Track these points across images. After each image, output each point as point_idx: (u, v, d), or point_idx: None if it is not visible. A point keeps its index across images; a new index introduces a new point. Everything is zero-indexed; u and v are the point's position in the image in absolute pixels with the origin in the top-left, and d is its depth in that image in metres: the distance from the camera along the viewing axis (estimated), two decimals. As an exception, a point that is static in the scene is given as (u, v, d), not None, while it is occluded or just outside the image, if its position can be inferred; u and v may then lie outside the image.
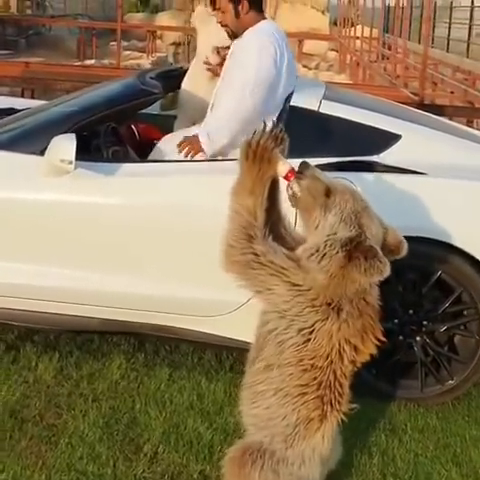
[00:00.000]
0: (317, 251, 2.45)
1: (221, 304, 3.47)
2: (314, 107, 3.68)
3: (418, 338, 3.54)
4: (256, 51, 3.53)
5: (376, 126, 3.66)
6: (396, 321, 3.50)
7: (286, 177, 2.53)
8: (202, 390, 3.51)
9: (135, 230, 3.48)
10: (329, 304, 2.48)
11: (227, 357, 3.82)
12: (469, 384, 3.61)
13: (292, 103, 3.66)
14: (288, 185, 2.54)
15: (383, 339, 2.59)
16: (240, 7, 3.65)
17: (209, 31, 4.00)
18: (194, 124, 4.23)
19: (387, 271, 2.42)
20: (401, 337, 3.53)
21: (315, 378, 2.52)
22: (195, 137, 3.58)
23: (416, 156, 3.57)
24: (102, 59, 16.57)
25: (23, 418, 3.19)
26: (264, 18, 3.77)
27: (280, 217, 2.69)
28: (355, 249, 2.41)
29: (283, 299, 2.50)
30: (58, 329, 3.75)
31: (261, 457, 2.53)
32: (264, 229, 2.53)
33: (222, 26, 3.76)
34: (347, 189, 2.55)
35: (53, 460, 2.94)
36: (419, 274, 3.48)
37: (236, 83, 3.54)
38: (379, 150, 3.58)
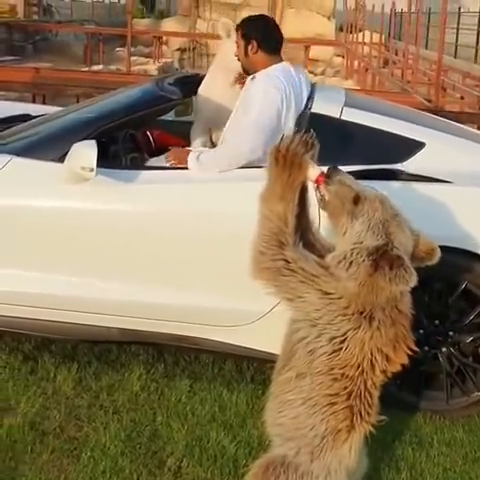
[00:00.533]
0: (344, 258, 2.41)
1: (243, 314, 3.41)
2: (336, 114, 3.62)
3: (444, 349, 3.48)
4: (261, 98, 3.50)
5: (399, 133, 3.61)
6: (422, 331, 3.43)
7: (316, 181, 2.50)
8: (224, 402, 3.45)
9: (158, 238, 3.42)
10: (361, 312, 2.43)
11: (248, 367, 3.76)
12: (496, 396, 3.54)
13: (313, 110, 3.61)
14: (317, 188, 2.51)
15: (415, 349, 2.53)
16: (250, 47, 3.67)
17: (232, 43, 3.97)
18: (210, 130, 4.21)
19: (413, 281, 2.37)
20: (426, 348, 3.46)
21: (345, 388, 2.46)
22: (184, 153, 3.61)
23: (440, 164, 3.52)
24: (109, 65, 16.57)
25: (44, 430, 3.14)
26: (280, 60, 3.72)
27: (309, 224, 2.65)
28: (381, 258, 2.36)
29: (314, 307, 2.45)
30: (76, 339, 3.69)
31: (284, 472, 2.47)
32: (295, 236, 2.48)
33: (238, 60, 3.79)
34: (377, 197, 2.49)
35: (75, 474, 2.89)
36: (445, 284, 3.42)
37: (239, 126, 3.57)
38: (403, 158, 3.53)
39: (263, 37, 3.68)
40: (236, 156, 3.47)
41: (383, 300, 2.43)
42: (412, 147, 3.57)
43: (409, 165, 3.51)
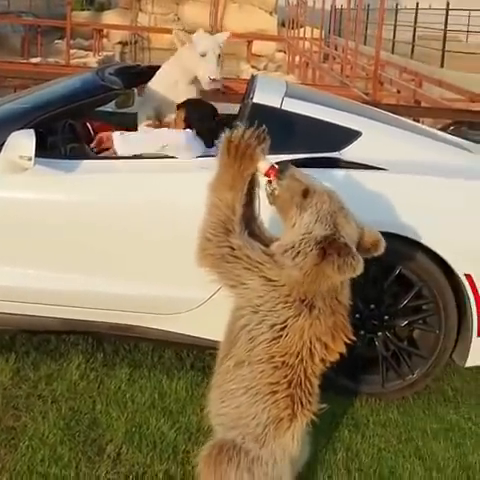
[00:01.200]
0: (292, 248, 2.46)
1: (183, 301, 3.43)
2: (276, 104, 3.67)
3: (379, 333, 3.56)
4: None
5: (337, 123, 3.68)
6: (358, 316, 3.50)
7: (266, 174, 2.54)
8: (163, 389, 3.47)
9: (98, 228, 3.43)
10: (302, 301, 2.48)
11: (188, 355, 3.79)
12: (429, 379, 3.64)
13: (255, 100, 3.65)
14: (268, 182, 2.55)
15: (353, 338, 2.60)
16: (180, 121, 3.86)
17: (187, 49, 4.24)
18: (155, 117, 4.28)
19: (360, 268, 2.43)
20: (362, 332, 3.54)
21: (286, 376, 2.51)
22: (109, 134, 3.73)
23: (376, 152, 3.59)
24: (47, 57, 16.29)
25: (-20, 421, 3.11)
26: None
27: (254, 215, 2.70)
28: (329, 246, 2.42)
29: (257, 294, 2.49)
30: (14, 329, 3.66)
31: (237, 455, 2.50)
32: (241, 225, 2.52)
33: None
34: (325, 191, 2.56)
35: (13, 463, 2.87)
36: (380, 269, 3.50)
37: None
38: (340, 147, 3.59)
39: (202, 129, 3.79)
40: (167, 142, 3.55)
41: (325, 289, 2.49)
42: (349, 136, 3.64)
43: (346, 153, 3.58)
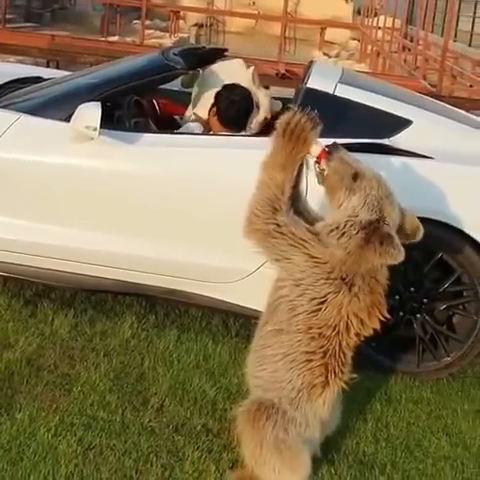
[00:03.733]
0: (337, 228, 2.61)
1: (232, 272, 3.64)
2: (330, 90, 3.82)
3: (418, 315, 3.69)
4: None
5: (388, 111, 3.80)
6: (397, 297, 3.65)
7: (318, 157, 2.69)
8: (208, 352, 3.69)
9: (157, 197, 3.65)
10: (343, 279, 2.64)
11: (234, 323, 4.00)
12: (464, 362, 3.76)
13: (309, 85, 3.81)
14: (317, 163, 2.70)
15: (388, 316, 2.75)
16: (212, 109, 4.10)
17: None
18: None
19: (401, 257, 2.59)
20: (401, 313, 3.68)
21: (322, 346, 2.67)
22: None
23: (425, 141, 3.71)
24: (125, 37, 16.67)
25: (39, 366, 3.38)
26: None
27: (300, 194, 2.85)
28: (373, 233, 2.57)
29: (300, 269, 2.65)
30: (74, 287, 3.94)
31: (275, 414, 2.66)
32: (288, 204, 2.69)
33: None
34: (374, 176, 2.69)
35: (66, 404, 3.13)
36: (422, 254, 3.63)
37: None
38: (390, 134, 3.72)
39: (225, 109, 4.05)
40: None
41: (365, 270, 2.64)
42: (399, 124, 3.77)
43: (395, 140, 3.71)
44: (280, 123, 2.68)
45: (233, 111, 4.06)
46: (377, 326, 2.73)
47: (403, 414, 3.44)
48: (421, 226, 2.80)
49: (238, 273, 3.63)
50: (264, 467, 2.66)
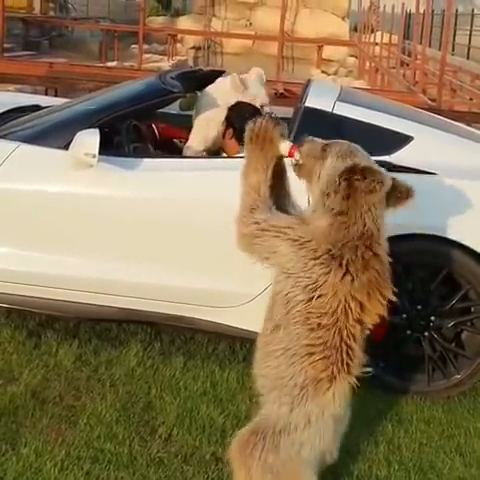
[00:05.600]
0: (321, 195, 2.58)
1: (236, 296, 3.60)
2: (328, 108, 3.80)
3: (426, 333, 3.64)
4: None
5: (389, 127, 3.78)
6: (405, 316, 3.60)
7: (290, 153, 2.72)
8: (215, 378, 3.64)
9: (158, 223, 3.63)
10: (330, 252, 2.52)
11: (241, 348, 3.95)
12: (475, 379, 3.71)
13: (307, 104, 3.79)
14: (290, 157, 2.73)
15: (392, 298, 2.56)
16: (227, 132, 4.06)
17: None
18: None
19: (388, 182, 2.53)
20: (409, 332, 3.63)
21: (322, 338, 2.54)
22: None
23: (427, 157, 3.68)
24: (124, 61, 16.76)
25: (44, 399, 3.34)
26: None
27: (287, 196, 2.85)
28: (352, 173, 2.51)
29: (288, 257, 2.58)
30: (78, 317, 3.90)
31: (263, 438, 2.56)
32: (267, 202, 2.68)
33: None
34: (346, 142, 2.69)
35: (72, 437, 3.09)
36: (428, 271, 3.59)
37: None
38: (391, 151, 3.70)
39: (241, 128, 3.94)
40: None
41: (358, 231, 2.52)
42: (400, 140, 3.74)
43: (397, 157, 3.68)
44: (246, 132, 2.75)
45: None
46: (380, 311, 2.55)
47: (415, 435, 3.38)
48: (413, 188, 2.72)
49: (242, 297, 3.60)
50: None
